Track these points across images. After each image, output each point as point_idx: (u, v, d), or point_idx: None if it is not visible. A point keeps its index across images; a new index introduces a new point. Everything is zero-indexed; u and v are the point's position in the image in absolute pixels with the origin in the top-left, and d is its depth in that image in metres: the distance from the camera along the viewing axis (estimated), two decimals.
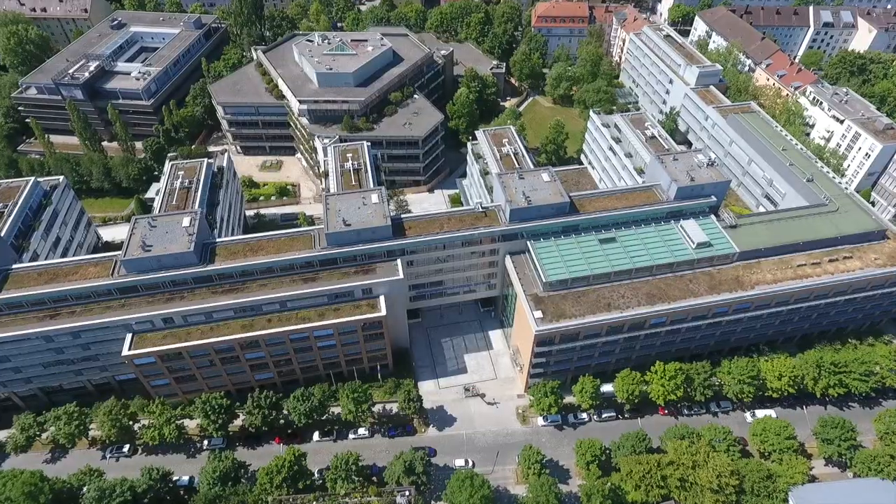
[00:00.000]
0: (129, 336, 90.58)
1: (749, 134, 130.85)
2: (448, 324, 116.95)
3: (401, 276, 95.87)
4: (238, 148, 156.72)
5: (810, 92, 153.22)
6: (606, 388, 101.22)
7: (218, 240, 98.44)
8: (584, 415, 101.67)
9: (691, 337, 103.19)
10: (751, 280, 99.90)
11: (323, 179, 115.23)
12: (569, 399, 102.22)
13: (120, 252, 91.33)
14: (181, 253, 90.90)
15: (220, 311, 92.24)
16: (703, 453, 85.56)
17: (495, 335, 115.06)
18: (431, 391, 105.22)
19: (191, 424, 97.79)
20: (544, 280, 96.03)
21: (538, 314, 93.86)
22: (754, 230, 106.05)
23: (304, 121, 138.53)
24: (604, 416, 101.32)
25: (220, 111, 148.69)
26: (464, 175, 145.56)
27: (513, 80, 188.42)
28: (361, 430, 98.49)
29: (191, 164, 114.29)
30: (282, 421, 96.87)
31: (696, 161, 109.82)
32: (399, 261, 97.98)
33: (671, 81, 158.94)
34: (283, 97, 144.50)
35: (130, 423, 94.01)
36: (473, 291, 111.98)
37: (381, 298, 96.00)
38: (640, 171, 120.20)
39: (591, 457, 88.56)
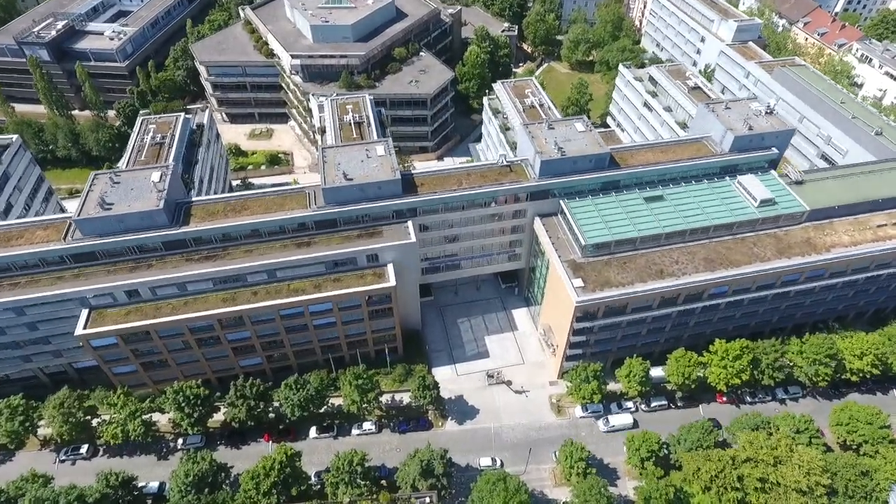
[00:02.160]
0: (84, 312, 74.75)
1: (800, 88, 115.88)
2: (464, 302, 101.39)
3: (413, 239, 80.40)
4: (224, 115, 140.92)
5: (857, 49, 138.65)
6: (655, 372, 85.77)
7: (194, 198, 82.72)
8: (630, 403, 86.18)
9: (753, 311, 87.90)
10: (824, 242, 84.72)
11: (319, 136, 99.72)
12: (609, 386, 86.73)
13: (73, 212, 75.53)
14: (148, 212, 75.15)
15: (196, 282, 76.53)
16: (784, 447, 70.12)
17: (520, 315, 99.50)
18: (448, 379, 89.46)
19: (163, 419, 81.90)
20: (583, 243, 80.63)
21: (578, 282, 78.44)
22: (823, 186, 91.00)
23: (298, 79, 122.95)
24: (653, 404, 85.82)
25: (202, 72, 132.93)
26: (478, 140, 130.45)
27: (525, 46, 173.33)
28: (367, 425, 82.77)
29: (165, 120, 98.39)
30: (271, 414, 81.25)
31: (751, 109, 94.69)
32: (410, 223, 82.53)
33: (703, 39, 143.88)
34: (273, 55, 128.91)
35: (87, 418, 78.03)
36: (495, 263, 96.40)
37: (390, 267, 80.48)
38: (683, 126, 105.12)
39: (648, 453, 73.09)
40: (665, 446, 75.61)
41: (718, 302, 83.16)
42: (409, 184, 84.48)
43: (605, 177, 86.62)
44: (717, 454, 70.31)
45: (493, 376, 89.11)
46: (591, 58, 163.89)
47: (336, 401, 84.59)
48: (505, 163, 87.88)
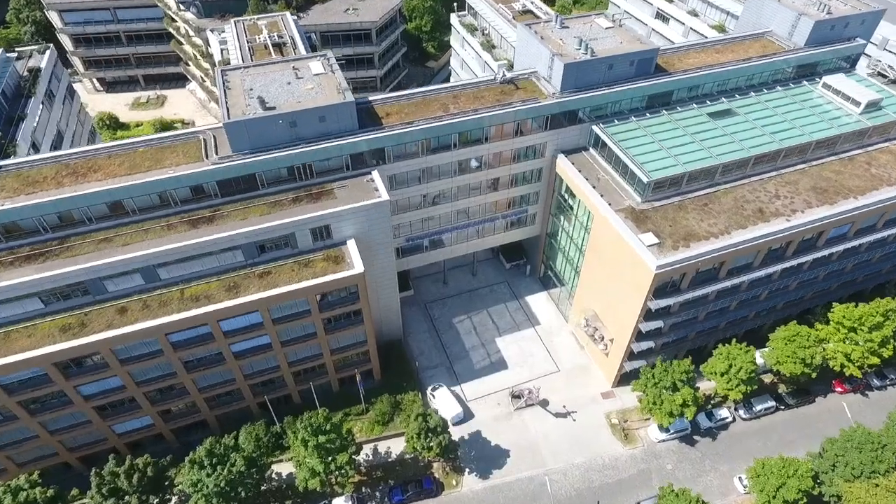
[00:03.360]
0: None
1: None
2: (458, 293, 71.71)
3: (384, 196, 50.15)
4: (96, 83, 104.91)
5: None
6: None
7: (2, 162, 49.01)
8: (724, 411, 59.26)
9: (866, 261, 63.25)
10: None
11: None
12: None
13: None
14: None
15: (9, 302, 43.16)
16: None
17: (538, 302, 70.84)
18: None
19: None
20: (645, 181, 52.85)
21: (649, 238, 50.59)
22: None
23: (190, 15, 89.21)
24: (757, 408, 59.16)
25: (56, 22, 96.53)
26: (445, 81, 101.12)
27: None
28: (339, 502, 51.62)
29: None
30: None
31: None
32: (376, 173, 52.31)
33: None
34: None
35: None
36: (498, 232, 67.20)
37: (351, 245, 50.04)
38: (721, 29, 79.65)
39: (798, 493, 45.86)
40: (815, 477, 48.76)
41: (833, 251, 57.39)
42: (368, 114, 54.28)
43: (654, 85, 59.36)
44: None
45: (519, 396, 59.89)
46: None
47: (285, 468, 53.13)
48: (505, 77, 59.02)
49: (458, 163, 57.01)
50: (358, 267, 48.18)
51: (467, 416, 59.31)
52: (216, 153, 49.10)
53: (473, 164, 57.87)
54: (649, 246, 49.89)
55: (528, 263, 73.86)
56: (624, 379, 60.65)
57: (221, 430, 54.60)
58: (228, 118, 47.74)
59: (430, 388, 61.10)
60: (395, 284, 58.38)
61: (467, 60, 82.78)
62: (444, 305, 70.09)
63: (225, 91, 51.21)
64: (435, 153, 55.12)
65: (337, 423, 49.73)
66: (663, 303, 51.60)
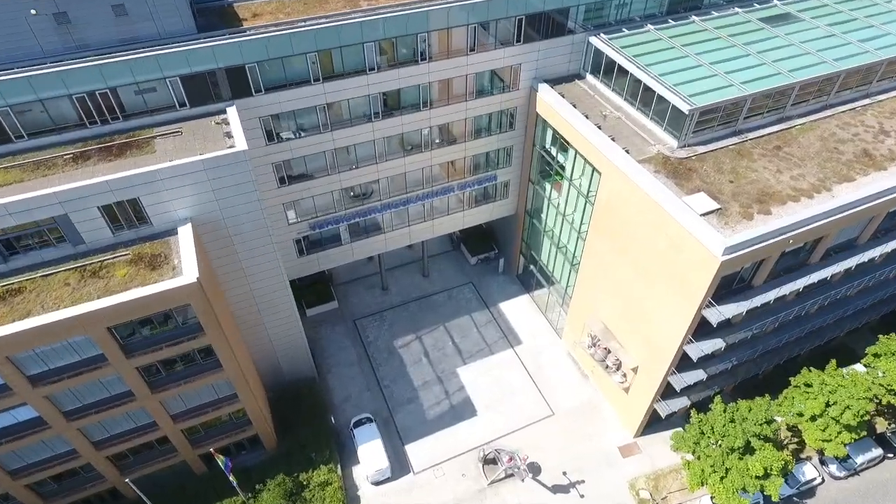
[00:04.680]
0: None
1: None
2: (401, 303, 50.06)
3: (240, 146, 28.26)
4: None
5: None
6: None
7: None
8: (809, 468, 38.96)
9: None
10: None
11: None
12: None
13: None
14: None
15: None
16: None
17: (516, 311, 49.65)
18: (395, 487, 38.18)
19: None
20: (686, 109, 32.04)
21: (702, 202, 29.79)
22: None
23: None
24: (859, 460, 39.06)
25: None
26: None
27: None
28: None
29: None
30: None
31: None
32: (234, 111, 30.44)
33: None
34: None
35: None
36: (457, 211, 45.73)
37: (184, 234, 27.93)
38: None
39: None
40: None
41: None
42: (220, 16, 32.59)
43: None
44: None
45: (495, 461, 38.70)
46: None
47: None
48: None
49: (380, 97, 35.44)
50: (188, 273, 26.20)
51: (398, 472, 38.36)
52: None
53: (406, 99, 36.40)
54: (705, 214, 29.12)
55: (502, 256, 52.70)
56: (653, 422, 40.08)
57: None
58: None
59: (352, 422, 40.50)
60: (290, 298, 36.48)
61: None
62: (383, 322, 48.40)
63: None
64: (338, 78, 33.42)
65: None
66: (730, 310, 30.82)
